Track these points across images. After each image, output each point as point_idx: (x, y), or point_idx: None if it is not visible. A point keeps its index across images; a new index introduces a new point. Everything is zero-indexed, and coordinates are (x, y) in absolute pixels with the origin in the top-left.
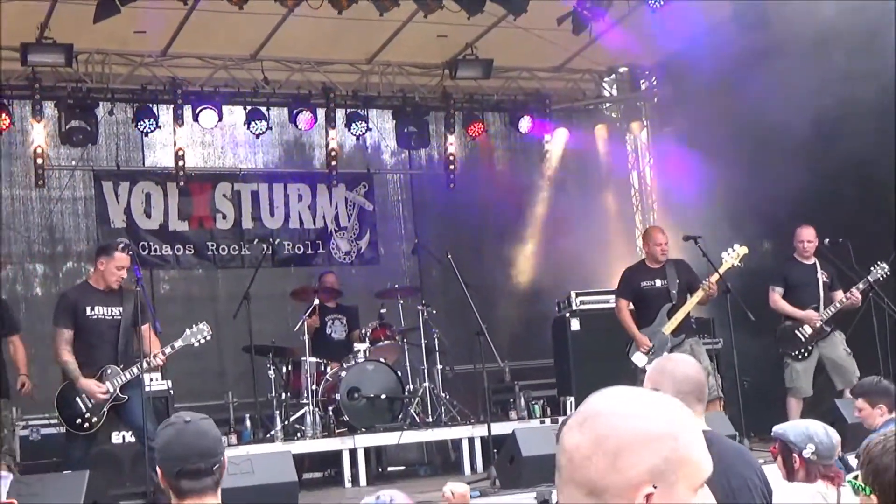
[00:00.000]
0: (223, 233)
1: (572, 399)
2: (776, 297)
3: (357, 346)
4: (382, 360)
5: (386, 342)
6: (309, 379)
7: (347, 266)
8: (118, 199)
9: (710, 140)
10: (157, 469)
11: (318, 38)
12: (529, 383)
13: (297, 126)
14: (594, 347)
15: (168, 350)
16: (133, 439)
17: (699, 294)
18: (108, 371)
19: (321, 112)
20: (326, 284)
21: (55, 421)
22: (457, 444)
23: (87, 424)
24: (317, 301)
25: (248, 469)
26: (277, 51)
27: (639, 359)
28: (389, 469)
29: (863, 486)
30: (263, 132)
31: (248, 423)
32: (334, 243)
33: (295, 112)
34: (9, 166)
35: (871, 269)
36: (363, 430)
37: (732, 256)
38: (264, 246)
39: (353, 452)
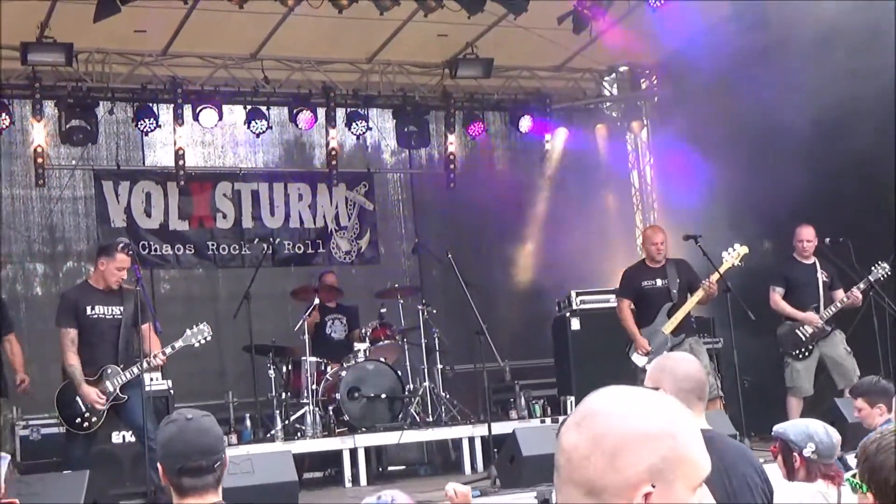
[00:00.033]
0: (223, 232)
1: (572, 398)
2: (777, 298)
3: (357, 345)
4: (383, 359)
5: (386, 342)
6: (309, 378)
7: (348, 265)
8: (118, 198)
9: (710, 139)
10: (159, 466)
11: (318, 37)
12: (530, 383)
13: (297, 125)
14: (594, 347)
15: (168, 350)
16: (133, 439)
17: (699, 293)
18: (109, 371)
19: (321, 111)
20: (327, 284)
21: (55, 420)
22: (457, 443)
23: (87, 424)
24: (317, 301)
25: (248, 469)
26: (278, 50)
27: (639, 358)
28: (390, 469)
29: (860, 484)
30: (264, 131)
31: (248, 422)
32: (334, 243)
33: (295, 111)
34: (9, 166)
35: (872, 268)
36: (363, 429)
37: (733, 256)
38: (264, 245)
39: (353, 452)
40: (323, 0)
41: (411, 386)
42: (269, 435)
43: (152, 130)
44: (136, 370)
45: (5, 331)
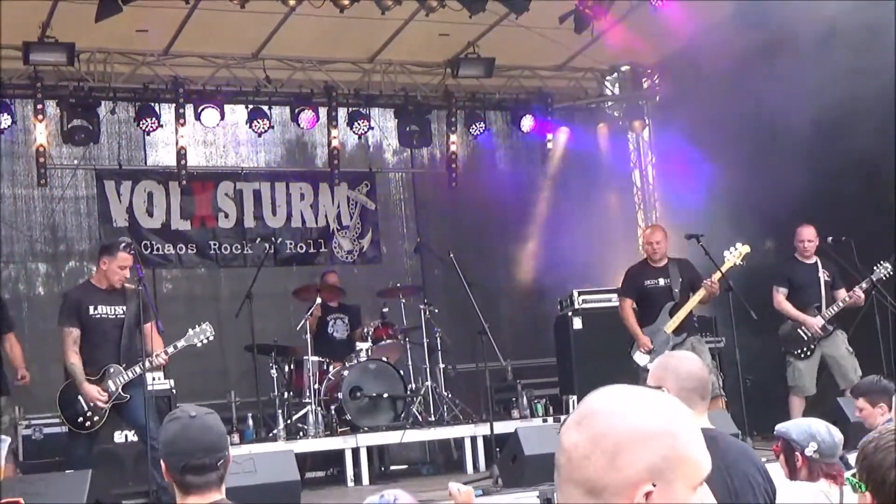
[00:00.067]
0: (225, 232)
1: (574, 398)
2: (780, 299)
3: (359, 345)
4: (385, 359)
5: (388, 341)
6: (311, 378)
7: (349, 265)
8: (120, 198)
9: (712, 138)
10: (162, 463)
11: (319, 36)
12: (532, 382)
13: (299, 125)
14: (596, 346)
15: (171, 350)
16: (135, 438)
17: (701, 292)
18: (111, 370)
19: (323, 111)
20: (328, 283)
21: (57, 420)
22: (459, 442)
23: (89, 423)
24: (319, 300)
25: (250, 468)
26: (279, 50)
27: (641, 357)
28: (392, 468)
29: (859, 483)
30: (265, 131)
31: (250, 422)
32: (336, 242)
33: (297, 111)
34: (11, 165)
35: (875, 268)
36: (366, 429)
37: (734, 255)
38: (266, 245)
39: (355, 451)
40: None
41: (413, 385)
42: (271, 434)
43: (154, 130)
44: (138, 369)
45: (5, 330)
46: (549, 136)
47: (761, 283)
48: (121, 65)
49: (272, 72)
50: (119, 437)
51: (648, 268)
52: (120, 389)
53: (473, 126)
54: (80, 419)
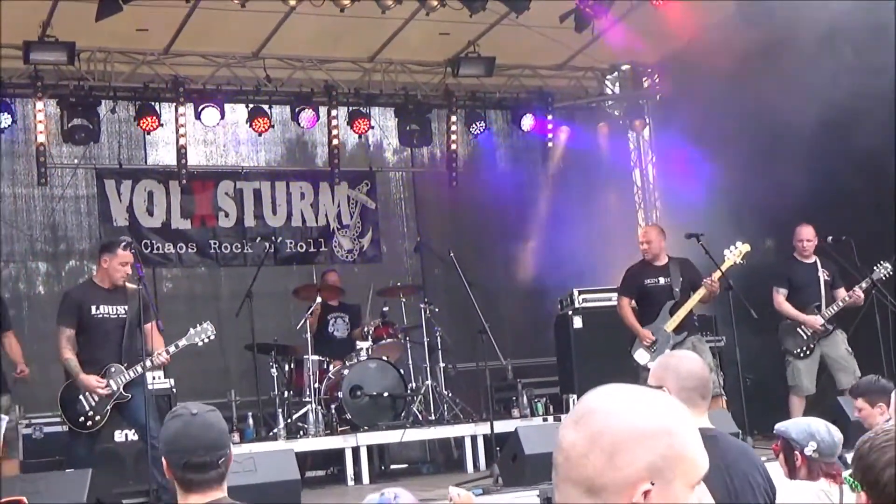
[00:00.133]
0: (226, 231)
1: (575, 397)
2: (780, 300)
3: (359, 344)
4: (385, 358)
5: (388, 340)
6: (311, 377)
7: (350, 264)
8: (120, 197)
9: (712, 137)
10: (163, 461)
11: (320, 35)
12: (532, 381)
13: (299, 124)
14: (597, 345)
15: (172, 349)
16: (136, 437)
17: (701, 292)
18: (113, 369)
19: (323, 110)
20: (329, 282)
21: (58, 419)
22: (459, 442)
23: (90, 423)
24: (319, 299)
25: (250, 467)
26: (280, 49)
27: (641, 356)
28: (392, 467)
29: (855, 483)
30: (266, 130)
31: (250, 421)
32: (336, 241)
33: (297, 110)
34: (11, 164)
35: (875, 268)
36: (366, 428)
37: (735, 254)
38: (267, 244)
39: (355, 450)
40: None
41: (413, 384)
42: (271, 433)
43: (154, 129)
44: (139, 369)
45: (4, 329)
46: (550, 135)
47: (761, 283)
48: (121, 64)
49: (272, 71)
50: (119, 436)
51: (649, 267)
52: (121, 389)
53: (474, 125)
54: (82, 419)
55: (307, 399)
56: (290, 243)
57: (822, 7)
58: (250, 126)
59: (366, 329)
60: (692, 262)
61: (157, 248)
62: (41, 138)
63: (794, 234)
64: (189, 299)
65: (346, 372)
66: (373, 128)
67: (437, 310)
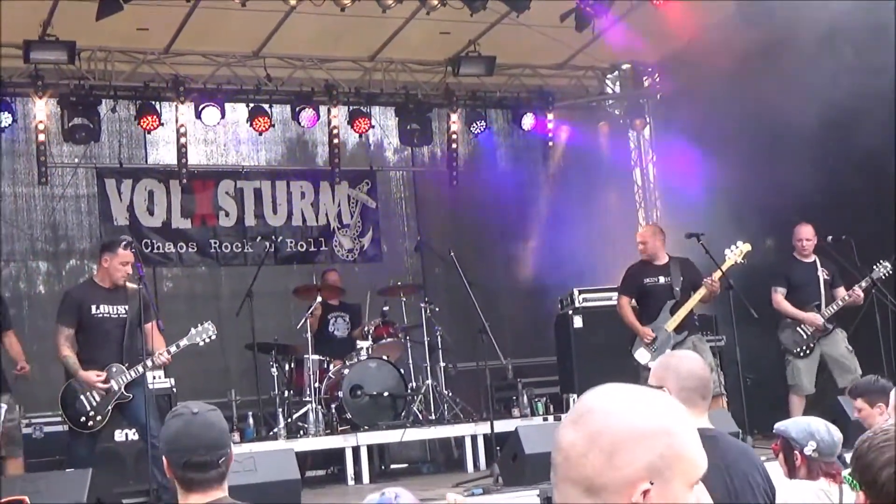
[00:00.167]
0: (226, 230)
1: (575, 396)
2: (779, 299)
3: (360, 343)
4: (385, 357)
5: (389, 340)
6: (312, 376)
7: (350, 263)
8: (121, 196)
9: (713, 137)
10: (164, 460)
11: (320, 35)
12: (532, 381)
13: (299, 123)
14: (597, 345)
15: (173, 349)
16: (136, 437)
17: (702, 291)
18: (113, 369)
19: (324, 109)
20: (329, 282)
21: (58, 419)
22: (460, 441)
23: (90, 423)
24: (319, 298)
25: (251, 467)
26: (280, 48)
27: (642, 356)
28: (392, 467)
29: (855, 482)
30: (266, 129)
31: (251, 420)
32: (337, 241)
33: (298, 109)
34: (11, 164)
35: (874, 267)
36: (366, 427)
37: (735, 253)
38: (267, 243)
39: (356, 450)
40: None
41: (414, 384)
42: (271, 433)
43: (155, 128)
44: (140, 369)
45: (4, 328)
46: (550, 134)
47: (762, 282)
48: (121, 63)
49: (273, 70)
50: (119, 435)
51: (649, 266)
52: (122, 389)
53: (474, 124)
54: (83, 419)
55: (307, 398)
56: (291, 243)
57: (822, 7)
58: (251, 125)
59: (366, 328)
60: (693, 262)
61: (158, 248)
62: (41, 137)
63: (794, 233)
64: (189, 299)
65: (346, 371)
66: (373, 127)
67: (437, 309)
